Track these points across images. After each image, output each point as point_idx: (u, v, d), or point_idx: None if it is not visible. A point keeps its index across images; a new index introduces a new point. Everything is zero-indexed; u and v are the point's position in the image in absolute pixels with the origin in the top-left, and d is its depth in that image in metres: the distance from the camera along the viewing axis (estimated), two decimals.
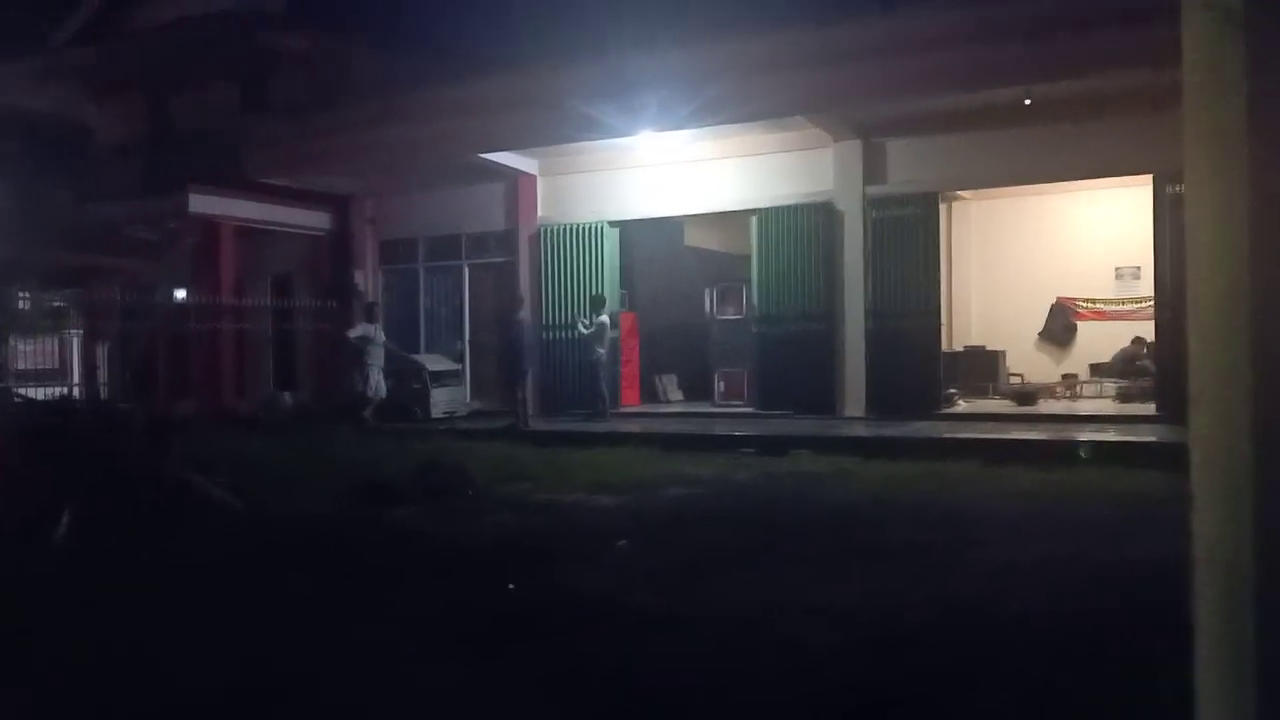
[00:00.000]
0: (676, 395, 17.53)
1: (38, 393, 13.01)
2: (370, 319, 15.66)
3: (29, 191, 15.67)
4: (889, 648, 4.16)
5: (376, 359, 15.16)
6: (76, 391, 16.10)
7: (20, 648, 4.48)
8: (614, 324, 15.66)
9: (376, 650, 4.42)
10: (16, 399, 11.97)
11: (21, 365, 16.23)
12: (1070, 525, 6.83)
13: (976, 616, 4.61)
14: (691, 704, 3.66)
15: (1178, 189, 12.24)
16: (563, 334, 15.80)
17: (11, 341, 15.84)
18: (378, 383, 15.12)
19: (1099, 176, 13.54)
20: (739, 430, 12.69)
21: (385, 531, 7.18)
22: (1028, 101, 12.30)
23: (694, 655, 4.16)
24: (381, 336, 15.46)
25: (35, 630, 4.78)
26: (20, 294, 15.87)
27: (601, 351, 14.82)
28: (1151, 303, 13.45)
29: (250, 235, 17.56)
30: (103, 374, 16.62)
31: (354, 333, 15.31)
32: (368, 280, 17.95)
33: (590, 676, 3.97)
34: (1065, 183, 14.33)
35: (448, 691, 3.89)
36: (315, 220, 18.10)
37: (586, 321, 14.93)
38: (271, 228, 17.68)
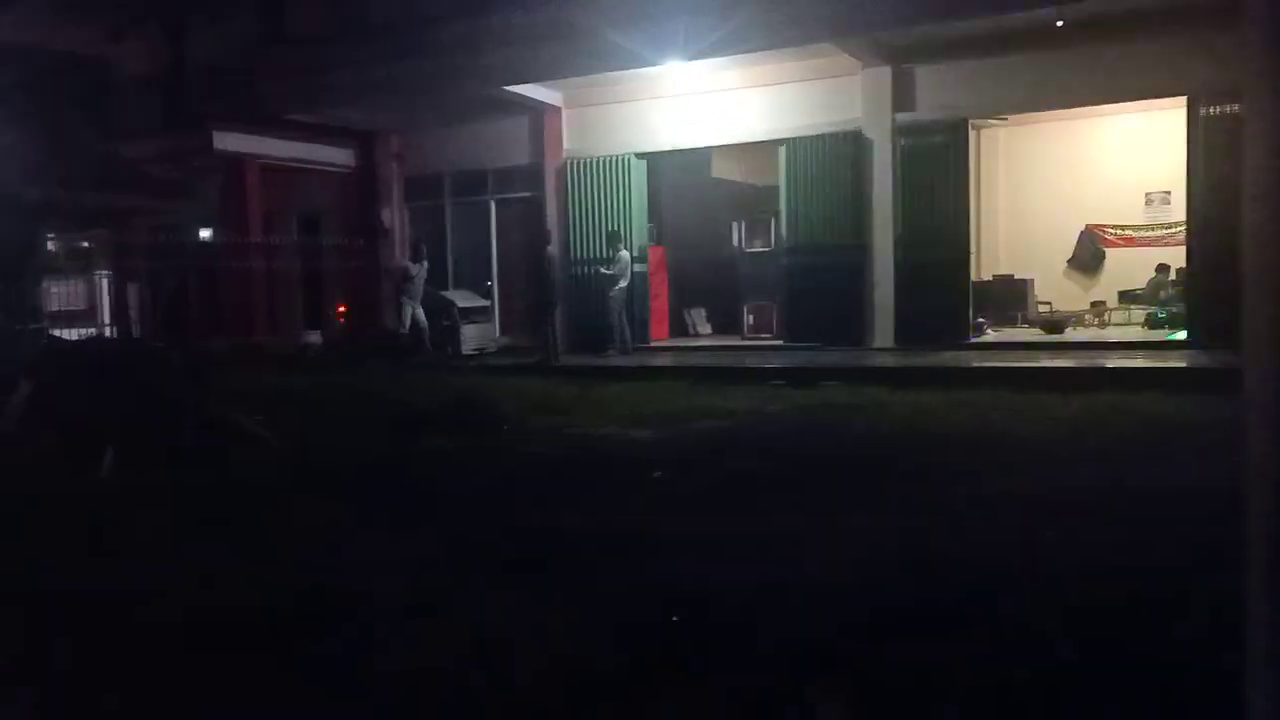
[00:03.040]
0: (705, 328, 17.54)
1: (71, 333, 13.17)
2: (416, 257, 15.75)
3: (53, 132, 15.66)
4: (920, 570, 4.20)
5: (416, 295, 15.32)
6: (109, 331, 16.26)
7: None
8: (642, 257, 15.63)
9: (411, 568, 4.52)
10: (53, 339, 12.12)
11: (54, 306, 16.40)
12: (1103, 450, 6.84)
13: (1009, 540, 4.65)
14: (727, 622, 3.73)
15: (1212, 110, 12.03)
16: (591, 269, 15.76)
17: (44, 283, 15.98)
18: (418, 317, 15.31)
19: (1132, 99, 13.32)
20: (769, 362, 12.72)
21: (420, 464, 7.27)
22: (1060, 23, 12.09)
23: (729, 579, 4.22)
24: (424, 274, 15.59)
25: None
26: (49, 235, 15.97)
27: (622, 286, 14.78)
28: (1182, 228, 13.28)
29: (276, 173, 17.53)
30: (134, 314, 16.75)
31: (396, 264, 15.43)
32: (394, 217, 17.95)
33: (622, 593, 4.04)
34: (1096, 107, 14.06)
35: (479, 605, 3.99)
36: (340, 157, 18.07)
37: (607, 262, 14.93)
38: (297, 165, 17.64)
